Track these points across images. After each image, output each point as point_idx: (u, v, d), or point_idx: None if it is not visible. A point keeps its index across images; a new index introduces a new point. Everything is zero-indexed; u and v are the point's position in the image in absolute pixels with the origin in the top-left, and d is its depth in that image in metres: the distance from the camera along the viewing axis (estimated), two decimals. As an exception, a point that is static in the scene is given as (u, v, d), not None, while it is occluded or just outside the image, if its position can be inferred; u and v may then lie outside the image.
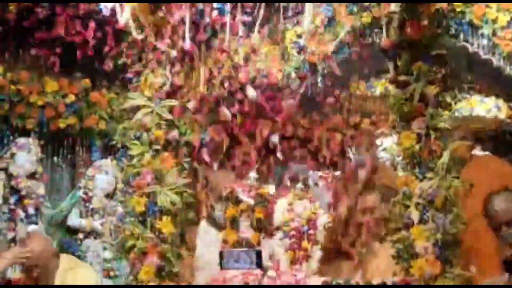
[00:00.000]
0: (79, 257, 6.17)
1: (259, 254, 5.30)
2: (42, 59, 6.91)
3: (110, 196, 6.80)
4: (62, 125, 6.90)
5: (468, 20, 6.19)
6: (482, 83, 7.14)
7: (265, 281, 4.97)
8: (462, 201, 4.89)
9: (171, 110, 5.19)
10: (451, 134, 4.87)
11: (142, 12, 5.04)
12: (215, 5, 4.96)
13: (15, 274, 5.67)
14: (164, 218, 4.95)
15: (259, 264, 5.21)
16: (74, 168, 7.13)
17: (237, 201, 5.84)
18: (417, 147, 4.89)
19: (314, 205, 5.96)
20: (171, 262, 4.95)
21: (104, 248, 6.65)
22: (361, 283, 4.99)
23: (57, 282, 5.02)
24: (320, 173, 6.26)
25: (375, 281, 4.92)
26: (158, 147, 5.10)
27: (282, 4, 5.09)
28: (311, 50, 6.07)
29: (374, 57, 5.61)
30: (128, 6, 4.88)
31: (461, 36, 6.17)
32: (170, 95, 5.21)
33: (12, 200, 6.56)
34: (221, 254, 5.31)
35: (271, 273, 5.28)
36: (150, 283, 4.80)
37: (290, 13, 5.32)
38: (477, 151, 5.84)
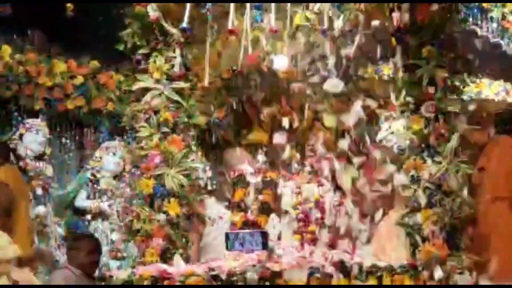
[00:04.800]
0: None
1: (265, 236, 5.30)
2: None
3: (118, 178, 6.80)
4: (70, 106, 6.89)
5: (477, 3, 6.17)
6: (491, 67, 7.12)
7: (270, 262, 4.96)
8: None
9: (180, 92, 5.20)
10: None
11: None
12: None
13: None
14: (172, 200, 4.97)
15: (265, 246, 5.21)
16: (82, 149, 7.11)
17: (245, 183, 5.84)
18: (425, 131, 4.90)
19: (322, 189, 5.95)
20: (176, 244, 4.98)
21: (112, 230, 6.64)
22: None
23: None
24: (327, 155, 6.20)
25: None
26: (167, 129, 5.11)
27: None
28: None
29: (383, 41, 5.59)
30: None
31: (470, 19, 6.14)
32: (179, 77, 5.21)
33: (20, 181, 6.55)
34: (227, 236, 5.31)
35: (277, 252, 5.30)
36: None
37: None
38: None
